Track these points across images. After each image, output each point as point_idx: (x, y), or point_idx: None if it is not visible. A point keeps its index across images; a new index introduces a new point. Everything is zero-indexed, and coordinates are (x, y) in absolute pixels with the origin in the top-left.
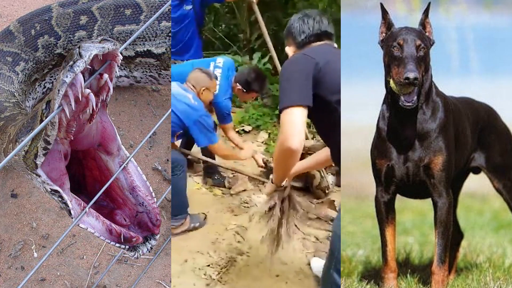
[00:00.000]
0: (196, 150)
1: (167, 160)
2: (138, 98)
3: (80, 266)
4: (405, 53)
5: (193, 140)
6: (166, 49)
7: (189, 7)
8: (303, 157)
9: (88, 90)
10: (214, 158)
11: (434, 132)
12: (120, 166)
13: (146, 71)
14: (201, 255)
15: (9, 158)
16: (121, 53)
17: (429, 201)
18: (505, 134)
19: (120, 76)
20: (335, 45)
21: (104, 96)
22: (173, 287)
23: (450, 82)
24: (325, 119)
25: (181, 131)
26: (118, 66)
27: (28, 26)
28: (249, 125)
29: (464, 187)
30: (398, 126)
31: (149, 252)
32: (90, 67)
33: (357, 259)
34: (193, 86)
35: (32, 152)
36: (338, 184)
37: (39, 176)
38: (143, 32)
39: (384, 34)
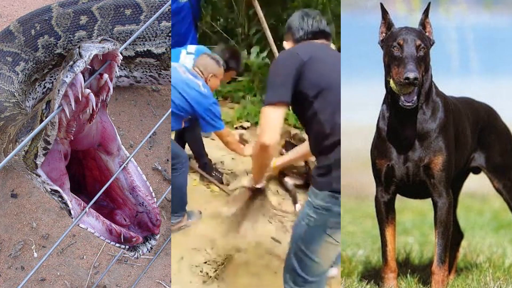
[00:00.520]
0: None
1: (167, 160)
2: (138, 98)
3: (80, 266)
4: (405, 53)
5: (190, 135)
6: (166, 49)
7: (184, 0)
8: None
9: (88, 90)
10: (203, 154)
11: (434, 132)
12: (120, 166)
13: (146, 71)
14: (198, 252)
15: (9, 158)
16: (121, 53)
17: (429, 201)
18: (505, 134)
19: (120, 76)
20: (332, 45)
21: (104, 96)
22: (173, 285)
23: (450, 82)
24: (302, 112)
25: (189, 117)
26: (118, 66)
27: (28, 26)
28: (248, 121)
29: (464, 187)
30: (398, 126)
31: (149, 252)
32: (90, 67)
33: (357, 259)
34: (201, 72)
35: (32, 152)
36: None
37: (39, 176)
38: (143, 32)
39: (384, 34)
